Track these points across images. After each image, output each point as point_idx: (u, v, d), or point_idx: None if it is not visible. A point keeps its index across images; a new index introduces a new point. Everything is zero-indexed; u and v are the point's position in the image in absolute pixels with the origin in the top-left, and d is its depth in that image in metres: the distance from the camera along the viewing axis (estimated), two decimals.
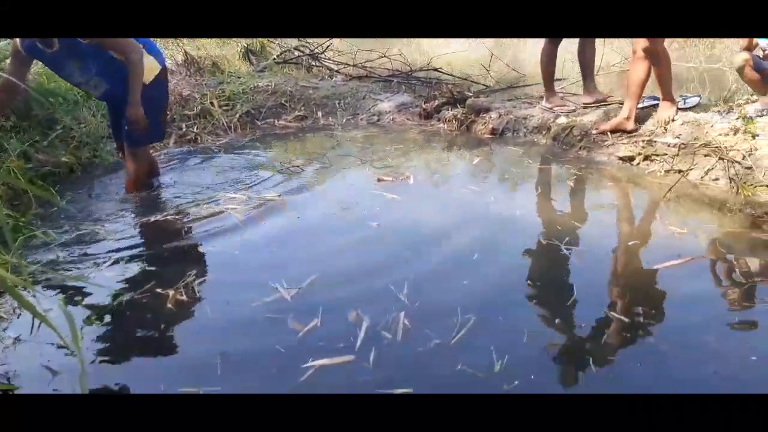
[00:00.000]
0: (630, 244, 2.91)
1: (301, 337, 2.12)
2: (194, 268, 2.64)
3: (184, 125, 5.06)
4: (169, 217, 3.22)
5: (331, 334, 2.12)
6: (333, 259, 2.73)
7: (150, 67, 3.23)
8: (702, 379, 1.88)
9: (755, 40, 3.71)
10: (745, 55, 3.66)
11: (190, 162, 4.37)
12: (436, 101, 5.61)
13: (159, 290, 2.46)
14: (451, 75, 6.59)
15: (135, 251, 2.84)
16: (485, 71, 6.72)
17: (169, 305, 2.35)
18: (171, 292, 2.42)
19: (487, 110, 5.18)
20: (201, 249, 2.88)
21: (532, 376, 1.88)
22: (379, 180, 3.83)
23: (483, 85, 6.32)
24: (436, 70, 6.65)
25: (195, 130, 5.04)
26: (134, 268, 2.67)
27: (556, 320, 2.22)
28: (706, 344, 2.05)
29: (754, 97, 4.00)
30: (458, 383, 1.87)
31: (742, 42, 3.79)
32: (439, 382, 1.89)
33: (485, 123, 5.07)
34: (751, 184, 3.34)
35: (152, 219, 3.20)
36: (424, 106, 5.61)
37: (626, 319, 2.17)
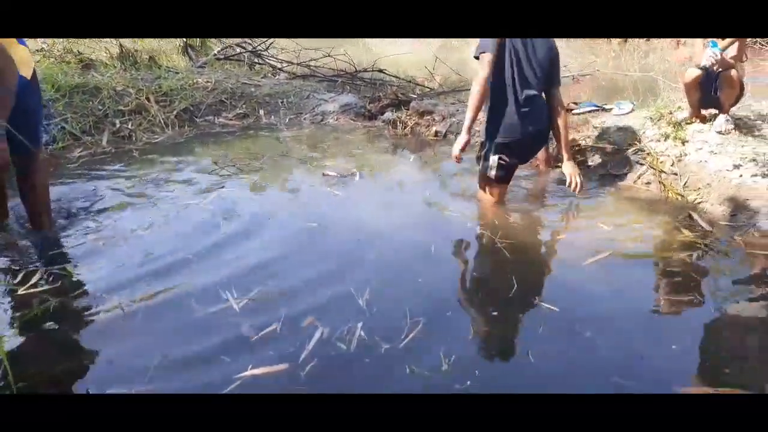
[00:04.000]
0: (560, 239, 3.03)
1: (251, 345, 2.05)
2: (133, 273, 2.52)
3: (117, 121, 4.84)
4: (102, 221, 3.07)
5: (283, 343, 2.06)
6: (282, 264, 2.65)
7: (26, 59, 2.69)
8: (630, 365, 1.99)
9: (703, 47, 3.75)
10: (698, 71, 3.75)
11: (121, 161, 4.19)
12: (381, 102, 5.60)
13: (92, 295, 2.35)
14: (396, 77, 6.60)
15: (66, 255, 2.69)
16: (430, 74, 6.75)
17: (104, 311, 2.25)
18: (106, 297, 2.32)
19: (431, 113, 5.21)
20: (140, 254, 2.71)
21: (477, 372, 1.93)
22: (324, 174, 3.83)
23: (427, 87, 6.35)
24: (381, 71, 6.64)
25: (130, 126, 4.83)
26: (65, 273, 2.51)
27: (494, 313, 2.30)
28: (630, 332, 2.18)
29: (684, 103, 4.14)
30: (406, 387, 1.86)
31: (695, 60, 3.89)
32: (383, 388, 1.86)
33: (429, 125, 5.10)
34: (678, 192, 3.47)
35: (85, 223, 3.04)
36: (368, 107, 5.59)
37: (556, 309, 2.28)
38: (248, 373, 1.90)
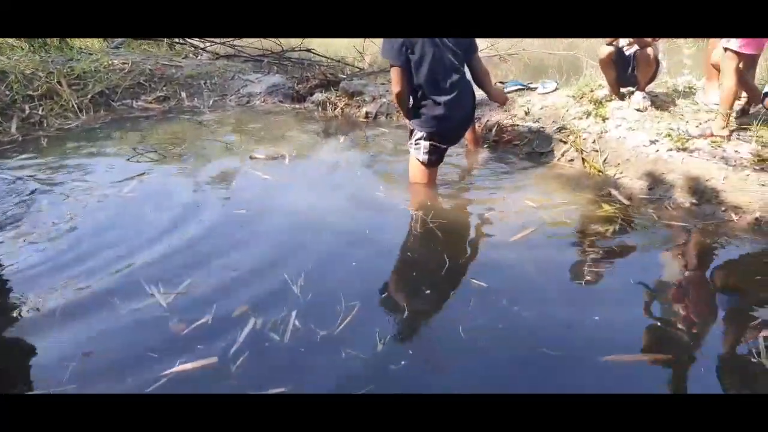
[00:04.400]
0: (489, 217, 3.07)
1: (180, 340, 1.97)
2: (53, 269, 2.38)
3: (27, 107, 4.54)
4: (20, 216, 2.87)
5: (213, 336, 1.99)
6: (211, 253, 2.55)
7: None
8: (556, 335, 2.04)
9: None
10: (610, 48, 3.86)
11: (32, 149, 3.93)
12: (310, 83, 5.50)
13: (8, 294, 2.22)
14: (325, 56, 6.49)
15: None
16: (359, 54, 6.68)
17: (21, 310, 2.13)
18: (23, 296, 2.20)
19: (361, 94, 5.16)
20: (61, 249, 2.56)
21: (411, 351, 1.95)
22: (251, 158, 3.74)
23: (357, 68, 6.28)
24: (308, 50, 6.51)
25: (40, 112, 4.54)
26: None
27: (427, 291, 2.33)
28: (555, 305, 2.25)
29: (604, 81, 4.27)
30: (342, 373, 1.84)
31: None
32: (318, 377, 1.84)
33: (359, 106, 5.05)
34: (599, 169, 3.59)
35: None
36: (297, 88, 5.48)
37: (485, 284, 2.32)
38: (176, 369, 1.82)
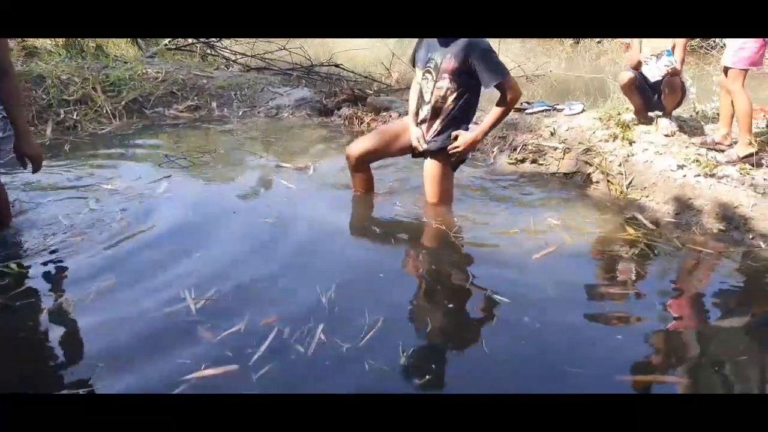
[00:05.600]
0: (511, 234, 3.03)
1: (208, 347, 1.98)
2: (81, 273, 2.41)
3: (62, 111, 4.66)
4: (46, 217, 2.91)
5: (239, 345, 2.00)
6: (237, 262, 2.57)
7: None
8: (576, 354, 2.05)
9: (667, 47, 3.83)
10: (631, 74, 3.86)
11: (64, 152, 4.03)
12: (337, 98, 5.57)
13: (39, 293, 2.27)
14: (353, 72, 6.56)
15: (9, 256, 2.54)
16: (386, 70, 6.75)
17: (51, 309, 2.17)
18: (52, 298, 2.24)
19: (387, 109, 5.21)
20: (85, 254, 2.57)
21: (433, 365, 1.96)
22: (278, 166, 3.79)
23: (384, 84, 6.34)
24: (337, 66, 6.60)
25: (75, 116, 4.66)
26: (8, 271, 2.38)
27: (450, 306, 2.35)
28: (576, 324, 2.25)
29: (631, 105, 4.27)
30: (362, 387, 1.85)
31: (630, 61, 4.01)
32: (340, 390, 1.83)
33: (386, 122, 5.09)
34: (623, 192, 3.57)
35: (32, 221, 2.88)
36: (324, 102, 5.55)
37: (507, 300, 2.32)
38: (196, 374, 1.84)
